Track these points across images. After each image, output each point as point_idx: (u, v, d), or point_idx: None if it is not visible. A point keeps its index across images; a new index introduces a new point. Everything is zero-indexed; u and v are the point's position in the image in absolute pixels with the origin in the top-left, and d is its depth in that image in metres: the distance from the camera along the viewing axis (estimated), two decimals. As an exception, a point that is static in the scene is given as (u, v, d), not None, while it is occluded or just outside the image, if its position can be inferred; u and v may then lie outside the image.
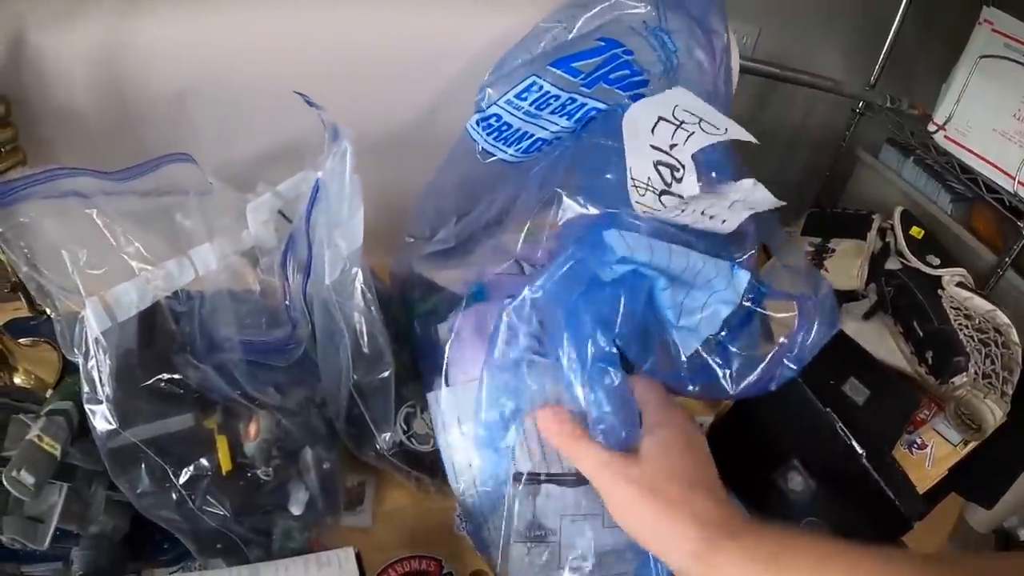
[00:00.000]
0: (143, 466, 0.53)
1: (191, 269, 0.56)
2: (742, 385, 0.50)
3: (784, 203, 0.51)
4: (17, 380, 0.67)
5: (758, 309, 0.51)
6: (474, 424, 0.52)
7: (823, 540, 0.44)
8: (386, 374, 0.60)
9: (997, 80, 0.99)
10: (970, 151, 1.01)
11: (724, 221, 0.50)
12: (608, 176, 0.52)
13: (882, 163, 1.15)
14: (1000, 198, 0.96)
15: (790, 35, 1.14)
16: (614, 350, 0.47)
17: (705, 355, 0.51)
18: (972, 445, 0.97)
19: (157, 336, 0.56)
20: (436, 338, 0.63)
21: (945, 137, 1.04)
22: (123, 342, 0.55)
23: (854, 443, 0.56)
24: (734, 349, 0.50)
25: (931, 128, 1.05)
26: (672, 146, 0.49)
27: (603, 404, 0.46)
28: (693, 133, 0.49)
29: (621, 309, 0.47)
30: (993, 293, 0.98)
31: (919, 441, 0.94)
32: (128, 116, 0.72)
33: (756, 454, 0.66)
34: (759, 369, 0.49)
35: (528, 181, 0.61)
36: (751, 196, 0.49)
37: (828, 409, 0.56)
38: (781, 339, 0.50)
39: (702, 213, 0.49)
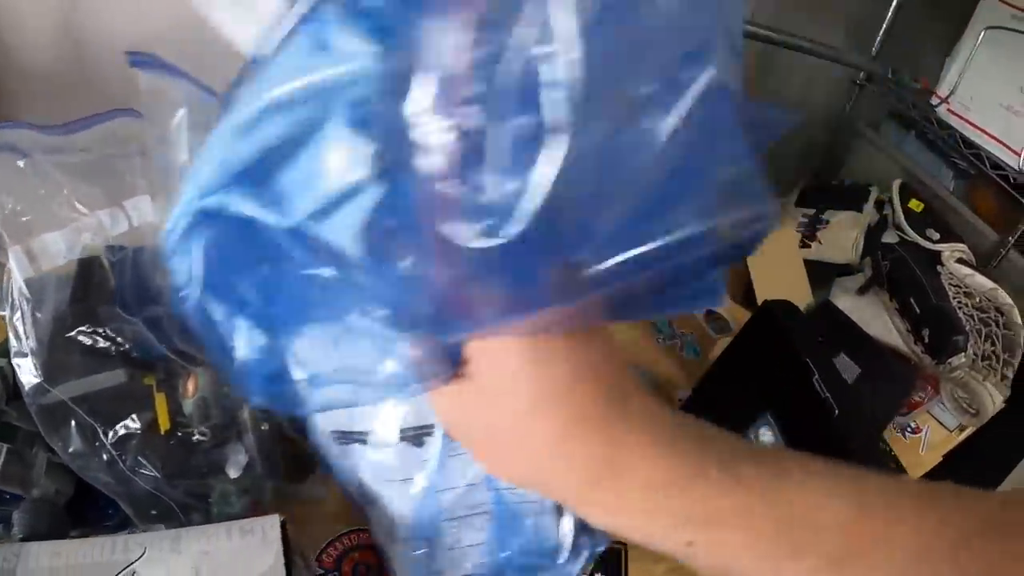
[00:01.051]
0: (73, 424, 0.50)
1: (125, 220, 0.53)
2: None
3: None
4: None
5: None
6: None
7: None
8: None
9: (1003, 52, 0.94)
10: (973, 125, 0.96)
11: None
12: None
13: (883, 137, 1.10)
14: (1005, 175, 0.91)
15: (791, 2, 1.09)
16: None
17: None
18: (969, 431, 0.93)
19: (92, 290, 0.53)
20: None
21: (948, 110, 0.99)
22: (56, 295, 0.52)
23: (829, 398, 0.52)
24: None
25: (933, 101, 1.00)
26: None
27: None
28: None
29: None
30: (996, 272, 0.94)
31: (913, 425, 0.90)
32: (88, 70, 0.69)
33: (735, 411, 0.62)
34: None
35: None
36: None
37: (807, 360, 0.52)
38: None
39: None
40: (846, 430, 0.51)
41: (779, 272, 0.76)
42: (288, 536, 0.41)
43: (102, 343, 0.50)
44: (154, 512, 0.50)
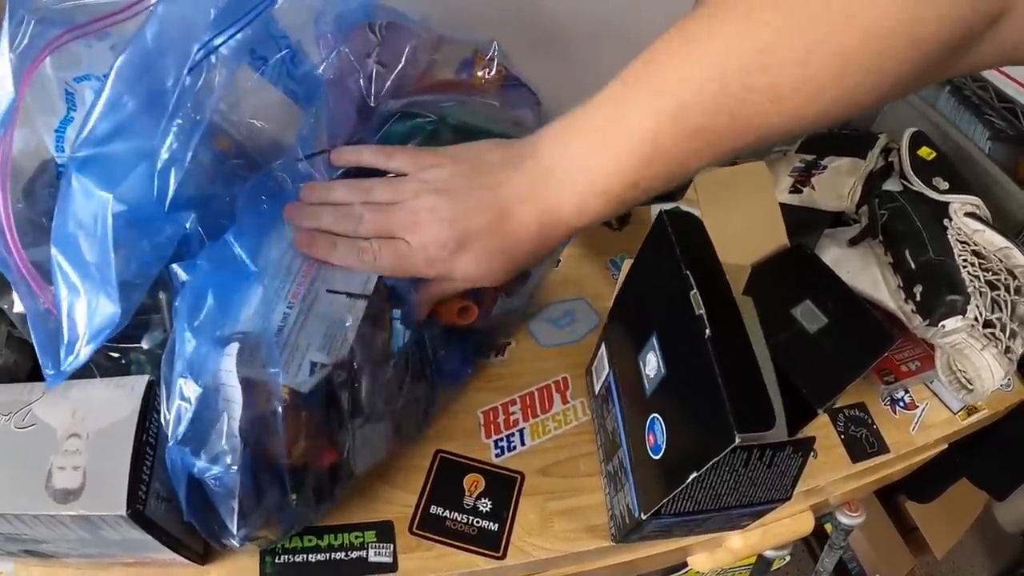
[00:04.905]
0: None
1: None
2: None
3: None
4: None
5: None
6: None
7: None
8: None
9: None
10: (1009, 77, 0.84)
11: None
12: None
13: (915, 93, 0.98)
14: (1042, 130, 0.79)
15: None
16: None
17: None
18: (978, 416, 0.81)
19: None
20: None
21: (984, 59, 0.87)
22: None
23: (703, 316, 0.41)
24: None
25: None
26: None
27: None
28: None
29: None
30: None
31: (907, 400, 0.79)
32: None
33: (631, 332, 0.53)
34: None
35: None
36: None
37: (688, 272, 0.43)
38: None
39: None
40: (730, 364, 0.40)
41: (743, 214, 0.67)
42: (152, 395, 0.46)
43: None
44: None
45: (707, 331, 0.41)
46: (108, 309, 0.42)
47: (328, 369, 0.46)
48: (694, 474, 0.41)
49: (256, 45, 0.51)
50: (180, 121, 0.43)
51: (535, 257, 0.49)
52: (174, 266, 0.45)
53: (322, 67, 0.53)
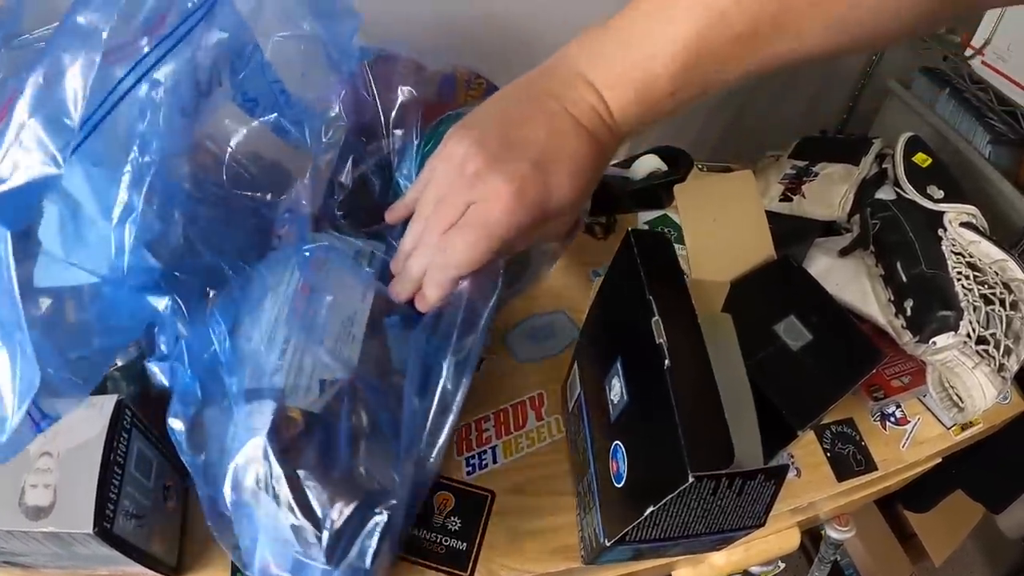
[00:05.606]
0: None
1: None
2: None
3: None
4: None
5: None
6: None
7: None
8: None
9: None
10: (1010, 79, 0.81)
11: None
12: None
13: (914, 95, 0.96)
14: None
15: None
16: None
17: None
18: (972, 431, 0.79)
19: None
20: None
21: (982, 63, 0.84)
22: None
23: (663, 346, 0.39)
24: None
25: (967, 52, 0.85)
26: None
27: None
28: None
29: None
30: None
31: (899, 414, 0.77)
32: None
33: (598, 355, 0.51)
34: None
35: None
36: None
37: (651, 297, 0.41)
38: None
39: None
40: (687, 393, 0.38)
41: (726, 225, 0.65)
42: (126, 415, 0.46)
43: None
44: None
45: (666, 362, 0.39)
46: (29, 372, 0.38)
47: (338, 385, 0.46)
48: (651, 508, 0.39)
49: (247, 88, 0.50)
50: (128, 168, 0.40)
51: (596, 166, 0.46)
52: (151, 364, 0.45)
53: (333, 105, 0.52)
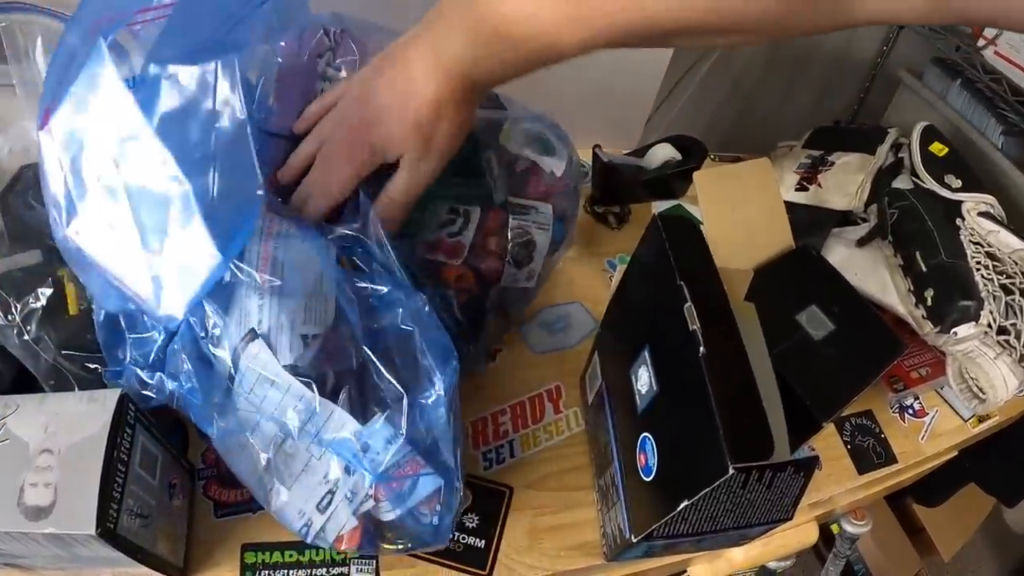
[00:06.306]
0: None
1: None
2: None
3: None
4: None
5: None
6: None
7: None
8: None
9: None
10: (1022, 69, 0.80)
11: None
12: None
13: (925, 86, 0.95)
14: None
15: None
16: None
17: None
18: (989, 423, 0.78)
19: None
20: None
21: (995, 53, 0.83)
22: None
23: (698, 332, 0.38)
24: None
25: (980, 43, 0.84)
26: None
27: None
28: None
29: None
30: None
31: (916, 407, 0.76)
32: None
33: (622, 344, 0.50)
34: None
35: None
36: None
37: (682, 284, 0.39)
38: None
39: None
40: (722, 383, 0.37)
41: (745, 214, 0.63)
42: (127, 408, 0.45)
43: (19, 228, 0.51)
44: (52, 382, 0.51)
45: (701, 349, 0.38)
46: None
47: (321, 338, 0.44)
48: (686, 502, 0.38)
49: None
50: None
51: (450, 118, 0.46)
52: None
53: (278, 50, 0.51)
